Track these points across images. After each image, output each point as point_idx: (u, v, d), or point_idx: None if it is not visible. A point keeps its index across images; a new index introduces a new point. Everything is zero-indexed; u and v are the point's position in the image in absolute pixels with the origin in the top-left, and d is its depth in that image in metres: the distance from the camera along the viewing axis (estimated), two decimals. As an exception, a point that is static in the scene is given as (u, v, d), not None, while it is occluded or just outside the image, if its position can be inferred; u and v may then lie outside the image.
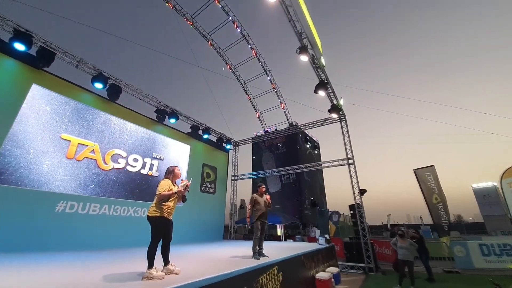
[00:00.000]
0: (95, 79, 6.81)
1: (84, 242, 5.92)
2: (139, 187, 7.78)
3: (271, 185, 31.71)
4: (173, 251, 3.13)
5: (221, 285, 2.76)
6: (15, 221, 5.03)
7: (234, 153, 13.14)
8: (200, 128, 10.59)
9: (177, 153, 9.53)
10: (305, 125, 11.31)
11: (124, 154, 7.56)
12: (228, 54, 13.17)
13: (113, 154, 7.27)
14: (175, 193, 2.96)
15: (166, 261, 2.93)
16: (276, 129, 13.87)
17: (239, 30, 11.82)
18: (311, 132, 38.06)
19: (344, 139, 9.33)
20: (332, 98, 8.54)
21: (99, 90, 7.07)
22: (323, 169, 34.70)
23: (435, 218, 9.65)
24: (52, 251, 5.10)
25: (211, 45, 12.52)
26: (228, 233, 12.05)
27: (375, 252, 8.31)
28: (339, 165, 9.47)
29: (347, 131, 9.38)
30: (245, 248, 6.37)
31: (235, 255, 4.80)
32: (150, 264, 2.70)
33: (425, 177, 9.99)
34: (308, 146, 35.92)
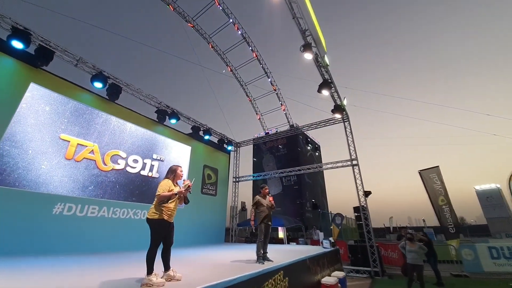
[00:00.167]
0: (95, 78, 6.69)
1: (82, 245, 5.74)
2: (139, 188, 7.62)
3: (272, 187, 31.41)
4: (174, 255, 2.96)
5: (225, 292, 2.59)
6: (11, 224, 4.87)
7: (235, 155, 13.00)
8: (201, 129, 10.45)
9: (178, 154, 9.38)
10: (307, 126, 11.16)
11: (124, 155, 7.42)
12: (228, 56, 13.10)
13: (113, 155, 7.12)
14: (176, 194, 2.80)
15: (166, 267, 2.76)
16: (277, 131, 13.73)
17: (239, 32, 11.77)
18: (312, 134, 37.93)
19: (347, 140, 9.18)
20: (336, 98, 8.40)
21: (98, 90, 6.95)
22: (324, 171, 34.52)
23: (442, 221, 9.43)
24: (49, 254, 4.93)
25: (212, 47, 12.46)
26: (230, 236, 11.85)
27: (381, 255, 8.10)
28: (342, 166, 9.30)
29: (351, 132, 9.22)
30: (248, 251, 6.19)
31: (238, 259, 4.62)
32: (150, 270, 2.53)
33: (430, 179, 9.78)
34: (309, 148, 35.71)
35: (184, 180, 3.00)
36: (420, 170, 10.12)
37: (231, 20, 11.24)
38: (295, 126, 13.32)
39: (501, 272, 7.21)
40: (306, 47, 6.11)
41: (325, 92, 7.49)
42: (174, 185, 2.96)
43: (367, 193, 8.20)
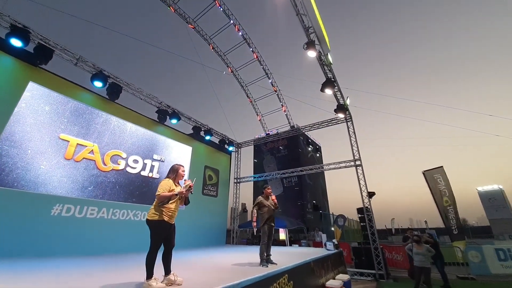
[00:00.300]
0: (95, 77, 6.60)
1: (80, 247, 5.62)
2: (139, 189, 7.51)
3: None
4: (174, 258, 2.84)
5: (229, 297, 2.47)
6: (8, 225, 4.76)
7: (236, 155, 12.88)
8: (202, 129, 10.35)
9: (179, 155, 9.27)
10: (309, 126, 11.04)
11: (124, 155, 7.31)
12: (229, 57, 13.05)
13: (113, 155, 7.02)
14: (177, 194, 2.68)
15: (167, 271, 2.62)
16: (277, 132, 13.63)
17: (240, 33, 11.71)
18: (312, 136, 37.81)
19: (350, 140, 9.06)
20: (339, 98, 8.29)
21: (98, 89, 6.86)
22: (325, 172, 34.35)
23: (446, 222, 9.27)
24: (46, 256, 4.81)
25: (213, 48, 12.40)
26: (231, 238, 11.70)
27: (385, 257, 7.95)
28: (346, 166, 9.17)
29: (354, 132, 9.10)
30: (250, 253, 6.06)
31: (240, 262, 4.49)
32: (149, 274, 2.41)
33: (435, 179, 9.63)
34: (309, 149, 35.62)
35: (185, 180, 2.89)
36: (424, 171, 9.97)
37: (231, 21, 11.19)
38: (296, 127, 13.21)
39: (509, 274, 7.05)
40: (310, 44, 6.01)
41: (328, 91, 7.38)
42: (175, 185, 2.85)
43: (371, 194, 8.06)
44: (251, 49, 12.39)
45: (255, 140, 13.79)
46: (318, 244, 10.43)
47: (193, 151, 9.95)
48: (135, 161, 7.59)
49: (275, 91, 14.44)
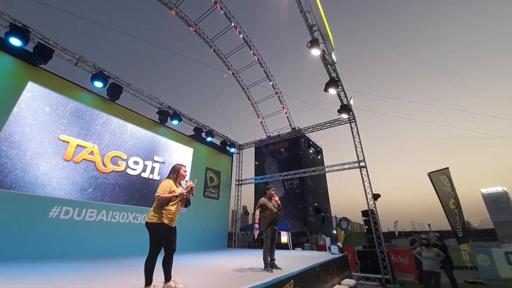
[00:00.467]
0: (95, 77, 6.52)
1: (78, 251, 5.48)
2: (139, 191, 7.37)
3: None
4: (174, 262, 2.69)
5: (233, 305, 2.32)
6: (5, 228, 4.64)
7: (238, 157, 12.74)
8: (204, 130, 10.23)
9: (180, 156, 9.15)
10: (312, 127, 10.91)
11: (124, 157, 7.19)
12: (230, 59, 13.00)
13: (113, 156, 6.90)
14: (177, 196, 2.54)
15: (167, 277, 2.48)
16: (279, 134, 13.50)
17: (241, 36, 11.66)
18: (314, 138, 37.62)
19: (354, 141, 8.91)
20: (342, 98, 8.16)
21: (99, 90, 6.77)
22: (327, 174, 34.14)
23: (453, 225, 9.06)
24: (43, 260, 4.68)
25: (214, 50, 12.35)
26: (232, 241, 11.51)
27: (391, 261, 7.75)
28: (349, 168, 9.01)
29: (357, 133, 8.96)
30: (253, 257, 5.89)
31: (244, 267, 4.33)
32: (148, 281, 2.26)
33: (441, 181, 9.43)
34: (311, 151, 35.40)
35: (186, 181, 2.75)
36: (430, 172, 9.78)
37: (232, 24, 11.16)
38: (297, 129, 13.07)
39: (519, 279, 6.83)
40: (313, 42, 5.89)
41: (332, 91, 7.25)
42: (176, 186, 2.71)
43: (376, 196, 7.88)
44: (252, 51, 12.33)
45: (256, 142, 13.65)
46: (321, 248, 10.21)
47: (194, 153, 9.83)
48: (136, 163, 7.47)
49: (276, 93, 14.34)
